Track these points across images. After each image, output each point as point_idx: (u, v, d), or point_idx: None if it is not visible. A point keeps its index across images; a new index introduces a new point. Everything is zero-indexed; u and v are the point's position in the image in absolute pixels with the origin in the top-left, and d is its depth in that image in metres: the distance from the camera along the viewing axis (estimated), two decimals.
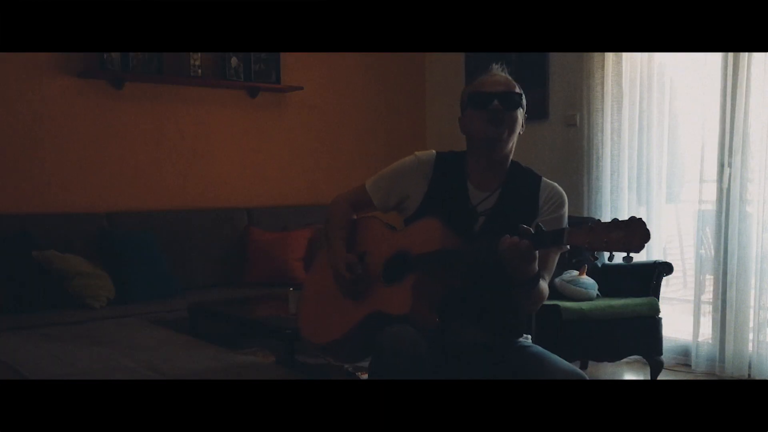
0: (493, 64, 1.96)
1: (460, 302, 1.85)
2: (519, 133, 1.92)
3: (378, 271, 1.90)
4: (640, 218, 1.50)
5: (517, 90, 1.89)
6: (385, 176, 2.03)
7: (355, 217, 2.07)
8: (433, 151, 2.00)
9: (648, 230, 1.49)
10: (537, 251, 1.66)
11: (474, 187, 1.91)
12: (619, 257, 1.54)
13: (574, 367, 1.76)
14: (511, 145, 1.91)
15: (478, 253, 1.72)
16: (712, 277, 3.80)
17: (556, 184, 1.95)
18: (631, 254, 1.51)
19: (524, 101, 1.91)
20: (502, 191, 1.90)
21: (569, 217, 1.96)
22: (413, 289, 1.78)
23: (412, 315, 1.75)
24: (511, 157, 1.94)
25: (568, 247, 1.64)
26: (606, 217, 4.10)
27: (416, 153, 2.01)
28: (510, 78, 1.91)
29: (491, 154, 1.89)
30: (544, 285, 1.81)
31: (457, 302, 1.84)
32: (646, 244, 1.49)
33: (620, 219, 1.53)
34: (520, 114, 1.89)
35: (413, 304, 1.76)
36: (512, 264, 1.67)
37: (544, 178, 1.95)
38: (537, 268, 1.71)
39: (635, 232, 1.49)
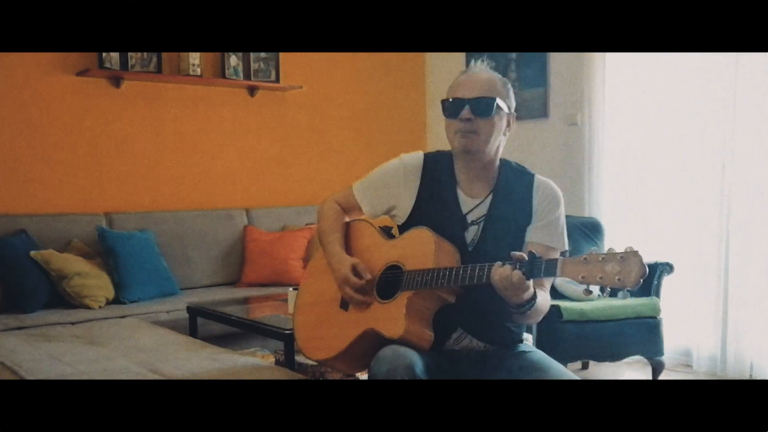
0: (472, 62, 1.87)
1: (457, 313, 1.80)
2: (504, 134, 1.83)
3: (371, 284, 1.84)
4: (637, 251, 1.45)
5: (494, 92, 1.77)
6: (372, 183, 1.96)
7: (346, 219, 2.02)
8: (420, 153, 1.93)
9: (645, 265, 1.43)
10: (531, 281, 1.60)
11: (464, 194, 1.85)
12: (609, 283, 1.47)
13: (574, 375, 1.73)
14: (493, 150, 1.82)
15: (471, 277, 1.66)
16: (713, 276, 3.79)
17: (550, 182, 1.87)
18: (627, 290, 1.45)
19: (506, 101, 1.80)
20: (494, 197, 1.83)
21: (570, 217, 1.93)
22: (407, 309, 1.72)
23: (407, 336, 1.71)
24: (499, 158, 1.87)
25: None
26: (606, 217, 4.10)
27: (402, 156, 1.93)
28: (492, 75, 1.81)
29: (469, 164, 1.83)
30: (543, 298, 1.74)
31: (453, 313, 1.80)
32: (642, 280, 1.43)
33: (616, 251, 1.47)
34: (499, 118, 1.78)
35: (407, 326, 1.71)
36: (505, 294, 1.62)
37: (537, 176, 1.88)
38: (533, 292, 1.65)
39: (632, 268, 1.43)
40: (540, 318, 1.81)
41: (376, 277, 1.85)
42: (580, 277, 1.49)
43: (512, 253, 1.60)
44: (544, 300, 1.76)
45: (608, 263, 1.46)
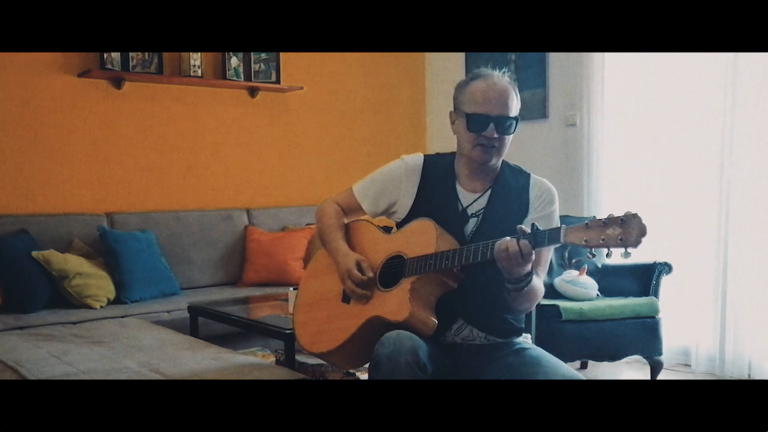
0: (495, 72, 1.88)
1: (458, 303, 1.84)
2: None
3: (374, 275, 1.88)
4: (636, 213, 1.50)
5: (514, 110, 1.84)
6: (373, 182, 2.01)
7: (345, 221, 2.05)
8: (421, 154, 2.00)
9: (644, 225, 1.49)
10: (534, 251, 1.65)
11: (463, 189, 1.91)
12: (616, 253, 1.53)
13: (572, 370, 1.75)
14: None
15: (475, 254, 1.71)
16: (712, 276, 3.79)
17: (545, 180, 1.94)
18: (629, 250, 1.50)
19: (518, 112, 1.87)
20: (492, 191, 1.90)
21: (568, 216, 1.96)
22: (410, 294, 1.76)
23: (411, 320, 1.74)
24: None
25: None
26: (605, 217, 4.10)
27: (403, 157, 1.99)
28: (510, 89, 1.85)
29: (479, 171, 1.90)
30: (538, 282, 1.80)
31: (454, 304, 1.83)
32: (643, 239, 1.49)
33: (616, 215, 1.52)
34: (511, 136, 1.87)
35: (411, 309, 1.74)
36: (508, 265, 1.65)
37: (533, 175, 1.95)
38: (530, 267, 1.70)
39: (632, 228, 1.49)
40: (535, 303, 1.85)
41: (377, 272, 1.88)
42: (583, 241, 1.55)
43: (519, 227, 1.65)
44: (539, 282, 1.81)
45: (610, 226, 1.52)
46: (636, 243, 1.49)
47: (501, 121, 1.82)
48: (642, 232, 1.48)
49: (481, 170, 1.90)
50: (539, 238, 1.62)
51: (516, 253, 1.62)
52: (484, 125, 1.81)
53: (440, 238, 1.79)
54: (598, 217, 1.58)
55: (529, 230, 1.63)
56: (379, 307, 1.82)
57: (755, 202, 3.63)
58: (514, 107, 1.85)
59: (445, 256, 1.75)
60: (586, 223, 1.55)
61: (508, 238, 1.64)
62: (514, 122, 1.85)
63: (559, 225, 1.88)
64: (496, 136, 1.81)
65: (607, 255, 1.56)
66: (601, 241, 1.52)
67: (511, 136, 1.87)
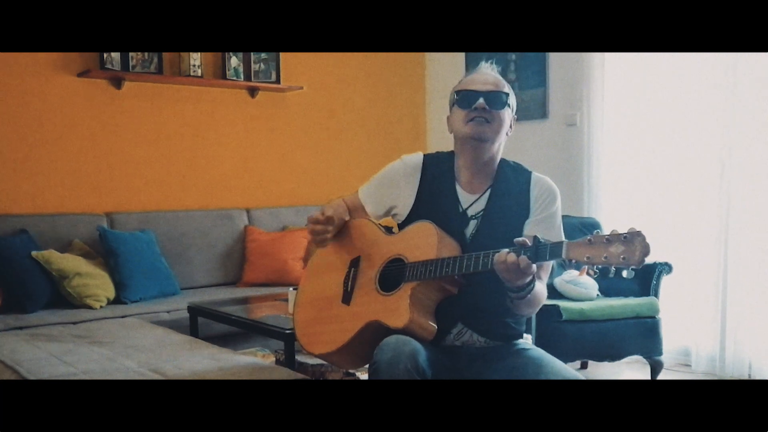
0: (482, 62, 1.94)
1: (457, 308, 1.83)
2: (507, 134, 1.90)
3: (373, 278, 1.87)
4: (640, 231, 1.47)
5: (505, 89, 1.87)
6: (374, 184, 2.01)
7: (347, 218, 2.05)
8: (420, 153, 1.99)
9: (648, 244, 1.46)
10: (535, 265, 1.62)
11: (463, 190, 1.90)
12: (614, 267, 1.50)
13: (572, 371, 1.74)
14: (497, 145, 1.89)
15: (476, 263, 1.69)
16: (712, 276, 3.79)
17: (547, 178, 1.92)
18: (632, 269, 1.48)
19: (512, 101, 1.89)
20: (492, 192, 1.88)
21: (569, 217, 1.95)
22: (411, 300, 1.75)
23: (411, 326, 1.73)
24: (499, 157, 1.92)
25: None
26: (605, 217, 4.11)
27: (403, 157, 1.99)
28: (499, 77, 1.90)
29: (476, 154, 1.87)
30: (541, 287, 1.78)
31: (454, 308, 1.82)
32: (646, 259, 1.46)
33: (619, 232, 1.49)
34: (508, 114, 1.86)
35: (411, 315, 1.73)
36: (508, 276, 1.63)
37: (534, 173, 1.93)
38: (532, 276, 1.68)
39: (635, 247, 1.46)
40: (537, 308, 1.83)
41: (377, 274, 1.86)
42: (585, 258, 1.52)
43: (516, 239, 1.62)
44: (541, 287, 1.79)
45: (612, 244, 1.49)
46: (639, 263, 1.46)
47: (490, 95, 1.83)
48: (645, 251, 1.45)
49: (479, 160, 1.87)
50: (540, 253, 1.59)
51: (515, 267, 1.60)
52: (474, 99, 1.83)
53: (441, 242, 1.78)
54: (600, 231, 1.55)
55: (530, 243, 1.60)
56: (379, 311, 1.81)
57: (755, 201, 3.63)
58: (505, 88, 1.87)
59: (445, 263, 1.73)
60: (589, 239, 1.52)
61: (507, 250, 1.62)
62: (505, 97, 1.85)
63: (560, 224, 1.89)
64: (485, 107, 1.81)
65: (610, 275, 1.52)
66: (603, 259, 1.49)
67: (507, 114, 1.85)
